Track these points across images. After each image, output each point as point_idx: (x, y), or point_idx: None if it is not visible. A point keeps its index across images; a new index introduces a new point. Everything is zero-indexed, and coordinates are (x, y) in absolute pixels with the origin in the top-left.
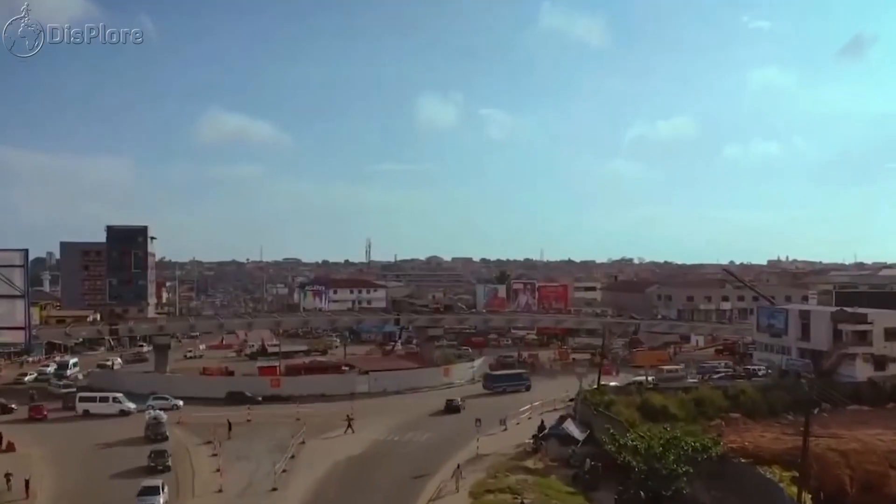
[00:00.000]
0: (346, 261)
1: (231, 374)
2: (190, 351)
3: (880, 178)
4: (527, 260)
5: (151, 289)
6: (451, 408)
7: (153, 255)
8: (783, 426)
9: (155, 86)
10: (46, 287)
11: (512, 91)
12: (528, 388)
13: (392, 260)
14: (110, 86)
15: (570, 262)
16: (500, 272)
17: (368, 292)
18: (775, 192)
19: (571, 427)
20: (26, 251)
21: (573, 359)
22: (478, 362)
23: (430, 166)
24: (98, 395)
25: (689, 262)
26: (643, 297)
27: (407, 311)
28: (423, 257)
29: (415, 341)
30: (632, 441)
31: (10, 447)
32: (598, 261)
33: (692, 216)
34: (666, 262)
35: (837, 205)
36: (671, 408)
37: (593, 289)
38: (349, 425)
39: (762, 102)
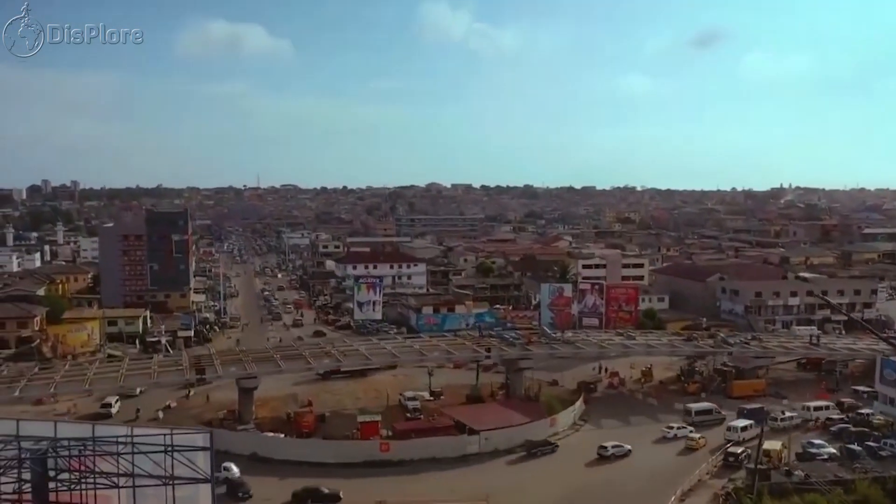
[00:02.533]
0: (345, 187)
1: (322, 418)
2: None
3: (886, 96)
4: (527, 186)
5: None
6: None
7: (193, 236)
8: None
9: None
10: (60, 238)
11: (521, 3)
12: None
13: (391, 187)
14: None
15: (570, 188)
16: (563, 268)
17: (408, 267)
18: (779, 110)
19: None
20: (210, 433)
21: (660, 381)
22: (577, 404)
23: (430, 84)
24: None
25: (689, 188)
26: (704, 287)
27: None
28: (422, 184)
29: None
30: None
31: None
32: (599, 187)
33: (695, 135)
34: (668, 190)
35: (840, 125)
36: None
37: (640, 265)
38: None
39: (781, 11)
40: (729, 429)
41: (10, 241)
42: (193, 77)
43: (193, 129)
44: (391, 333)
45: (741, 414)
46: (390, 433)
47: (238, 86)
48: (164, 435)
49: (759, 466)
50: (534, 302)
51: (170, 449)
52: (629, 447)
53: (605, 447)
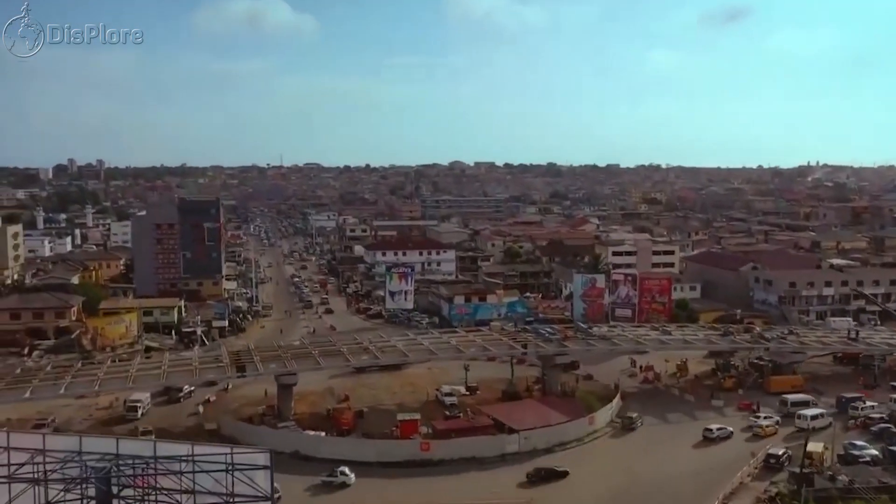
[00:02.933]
0: (368, 165)
1: (360, 414)
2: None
3: None
4: (551, 165)
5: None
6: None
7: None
8: None
9: None
10: (89, 221)
11: None
12: None
13: (414, 165)
14: None
15: (594, 167)
16: (596, 257)
17: (437, 253)
18: (806, 86)
19: None
20: (270, 452)
21: (695, 376)
22: (615, 401)
23: (453, 61)
24: None
25: (715, 165)
26: (737, 276)
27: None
28: (445, 162)
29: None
30: None
31: None
32: (623, 165)
33: (721, 112)
34: (693, 168)
35: (867, 101)
36: None
37: (671, 252)
38: None
39: None
40: (798, 417)
41: (40, 223)
42: (216, 54)
43: (216, 107)
44: (423, 324)
45: (839, 403)
46: (430, 431)
47: (260, 63)
48: (225, 454)
49: (803, 471)
50: (564, 290)
51: (230, 467)
52: (731, 429)
53: (711, 429)
